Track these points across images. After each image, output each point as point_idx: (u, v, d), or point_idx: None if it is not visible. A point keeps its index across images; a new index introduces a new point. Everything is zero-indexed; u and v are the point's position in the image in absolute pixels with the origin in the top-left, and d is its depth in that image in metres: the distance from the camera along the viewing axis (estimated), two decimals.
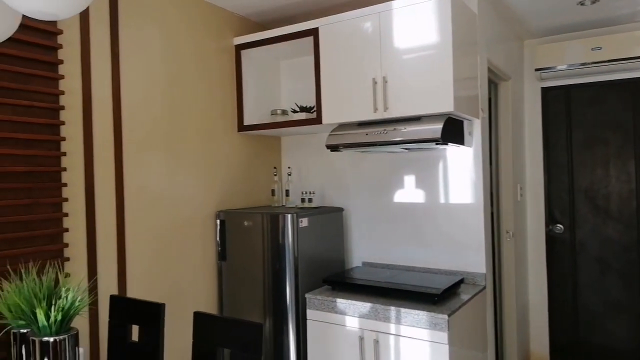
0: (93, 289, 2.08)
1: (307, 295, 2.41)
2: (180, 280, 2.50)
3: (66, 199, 1.99)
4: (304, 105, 2.99)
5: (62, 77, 2.00)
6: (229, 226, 2.68)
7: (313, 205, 2.84)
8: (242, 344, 1.52)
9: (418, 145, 2.32)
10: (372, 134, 2.36)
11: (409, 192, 2.72)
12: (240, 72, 2.93)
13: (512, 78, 3.28)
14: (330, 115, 2.55)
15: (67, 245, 1.98)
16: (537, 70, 3.39)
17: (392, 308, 2.14)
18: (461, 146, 2.45)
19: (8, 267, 1.73)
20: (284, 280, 2.48)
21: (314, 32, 2.62)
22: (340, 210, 2.87)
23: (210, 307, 2.68)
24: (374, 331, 2.19)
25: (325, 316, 2.33)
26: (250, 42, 2.88)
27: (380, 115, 2.37)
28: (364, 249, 2.88)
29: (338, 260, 2.82)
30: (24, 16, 1.66)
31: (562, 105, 3.51)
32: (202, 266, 2.64)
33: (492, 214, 3.16)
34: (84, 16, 2.10)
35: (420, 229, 2.67)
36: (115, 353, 1.87)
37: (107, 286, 2.14)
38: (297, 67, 3.14)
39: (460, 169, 2.56)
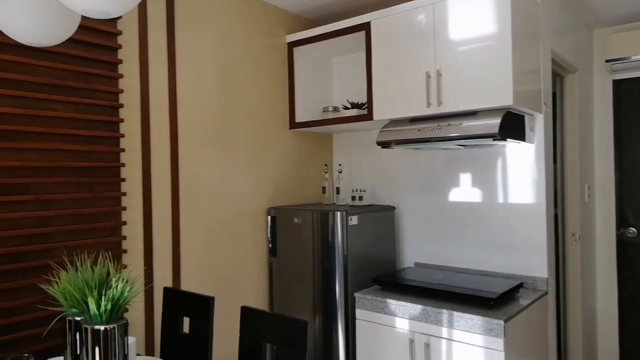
0: (148, 278, 2.15)
1: (356, 295, 2.37)
2: (231, 274, 2.54)
3: (124, 193, 2.08)
4: (356, 102, 2.95)
5: (122, 76, 2.08)
6: (279, 222, 2.69)
7: (364, 203, 2.79)
8: (287, 341, 1.51)
9: (474, 142, 2.21)
10: (425, 130, 2.28)
11: (464, 190, 2.61)
12: (292, 70, 2.93)
13: (579, 70, 3.06)
14: (382, 111, 2.49)
15: (124, 237, 2.07)
16: (608, 61, 3.15)
17: (445, 311, 2.05)
18: (522, 142, 2.31)
19: (64, 257, 1.82)
20: (333, 278, 2.46)
21: (365, 27, 2.57)
22: (391, 208, 2.80)
23: (260, 302, 2.71)
24: (425, 334, 2.11)
25: (375, 316, 2.28)
26: (303, 39, 2.87)
27: (433, 110, 2.28)
28: (416, 249, 2.79)
29: (389, 260, 2.76)
30: (85, 18, 1.74)
31: (636, 99, 3.23)
32: (253, 261, 2.67)
33: (556, 215, 2.97)
34: (142, 17, 2.18)
35: (477, 229, 2.56)
36: (168, 343, 1.92)
37: (163, 278, 2.21)
38: (350, 63, 3.10)
39: (521, 167, 2.42)
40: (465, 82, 2.18)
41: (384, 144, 2.43)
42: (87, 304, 1.19)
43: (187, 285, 2.31)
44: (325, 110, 2.97)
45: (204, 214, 2.41)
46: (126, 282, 1.22)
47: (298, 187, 2.96)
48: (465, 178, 2.61)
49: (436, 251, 2.71)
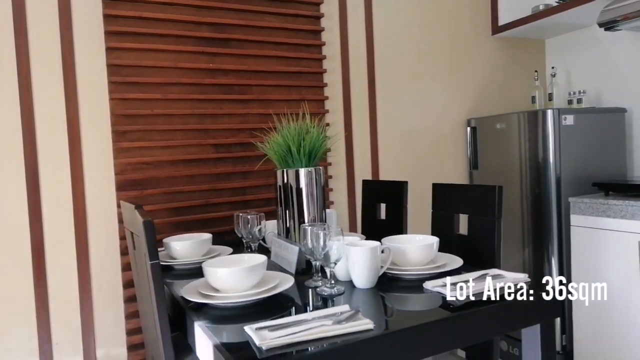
0: (349, 176, 2.32)
1: (571, 199, 2.10)
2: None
3: (327, 97, 2.26)
4: None
5: None
6: (480, 133, 2.55)
7: (583, 106, 2.42)
8: (479, 206, 1.46)
9: None
10: None
11: None
12: None
13: None
14: None
15: (329, 148, 2.25)
16: None
17: None
18: None
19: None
20: (545, 186, 2.22)
21: None
22: (621, 110, 2.37)
23: None
24: None
25: (594, 221, 1.99)
26: None
27: None
28: None
29: (614, 170, 2.35)
30: None
31: None
32: (452, 173, 2.61)
33: None
34: None
35: None
36: (368, 228, 2.05)
37: (363, 175, 2.36)
38: None
39: None
40: None
41: (607, 24, 2.06)
42: (290, 150, 1.36)
43: None
44: (535, 10, 2.65)
45: (400, 123, 2.46)
46: (323, 130, 1.35)
47: (502, 97, 2.75)
48: None
49: None
